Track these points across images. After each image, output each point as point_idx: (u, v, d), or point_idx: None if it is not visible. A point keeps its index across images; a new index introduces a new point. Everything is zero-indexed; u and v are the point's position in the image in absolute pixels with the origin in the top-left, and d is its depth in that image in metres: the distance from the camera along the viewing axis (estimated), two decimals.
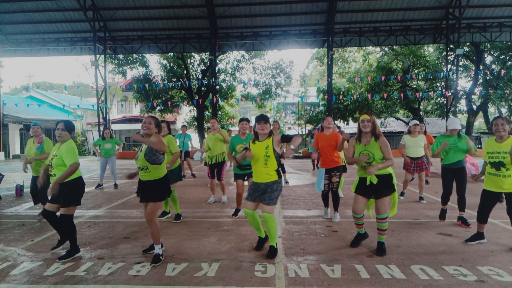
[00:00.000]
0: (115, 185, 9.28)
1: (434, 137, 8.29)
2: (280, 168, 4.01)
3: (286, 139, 3.87)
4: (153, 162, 3.75)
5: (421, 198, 7.04)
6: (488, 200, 4.26)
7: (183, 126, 10.53)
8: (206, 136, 8.38)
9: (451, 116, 24.80)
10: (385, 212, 3.97)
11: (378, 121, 28.23)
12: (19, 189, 8.24)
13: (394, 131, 27.42)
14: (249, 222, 4.21)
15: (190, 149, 11.14)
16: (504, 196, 4.21)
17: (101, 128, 19.62)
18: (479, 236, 4.38)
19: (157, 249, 3.82)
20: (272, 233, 3.93)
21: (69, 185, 3.86)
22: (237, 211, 5.91)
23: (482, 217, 4.31)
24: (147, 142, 3.65)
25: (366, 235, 4.35)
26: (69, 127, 3.99)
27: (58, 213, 4.05)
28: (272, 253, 3.89)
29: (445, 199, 5.41)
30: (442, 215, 5.48)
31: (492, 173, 4.19)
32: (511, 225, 4.28)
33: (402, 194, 7.40)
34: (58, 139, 3.98)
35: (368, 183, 3.93)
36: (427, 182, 9.01)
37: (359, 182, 4.10)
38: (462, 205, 5.20)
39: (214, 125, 6.70)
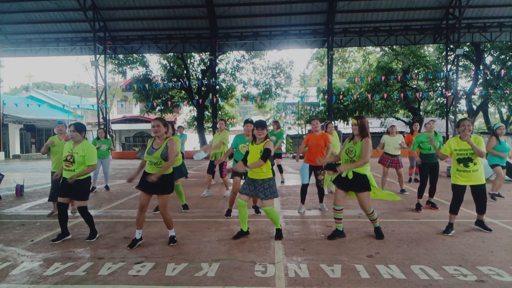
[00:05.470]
0: (107, 187, 8.93)
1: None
2: (273, 167, 4.56)
3: (263, 156, 4.28)
4: (166, 159, 4.23)
5: (402, 191, 7.82)
6: (458, 192, 4.69)
7: (179, 126, 10.65)
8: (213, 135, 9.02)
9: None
10: (370, 208, 4.46)
11: (378, 121, 27.92)
12: (19, 189, 8.25)
13: None
14: (238, 213, 4.53)
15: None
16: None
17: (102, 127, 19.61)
18: (451, 226, 4.78)
19: (172, 232, 4.43)
20: (276, 220, 4.54)
21: (86, 182, 4.59)
22: (229, 211, 5.91)
23: (454, 209, 4.73)
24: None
25: (343, 234, 4.64)
26: (79, 128, 4.51)
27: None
28: (279, 235, 4.55)
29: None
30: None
31: (461, 169, 4.63)
32: (476, 211, 4.82)
33: (402, 191, 7.89)
34: (71, 139, 4.52)
35: (344, 175, 4.46)
36: (416, 180, 9.58)
37: (339, 175, 4.59)
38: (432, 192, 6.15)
39: (221, 126, 7.37)
